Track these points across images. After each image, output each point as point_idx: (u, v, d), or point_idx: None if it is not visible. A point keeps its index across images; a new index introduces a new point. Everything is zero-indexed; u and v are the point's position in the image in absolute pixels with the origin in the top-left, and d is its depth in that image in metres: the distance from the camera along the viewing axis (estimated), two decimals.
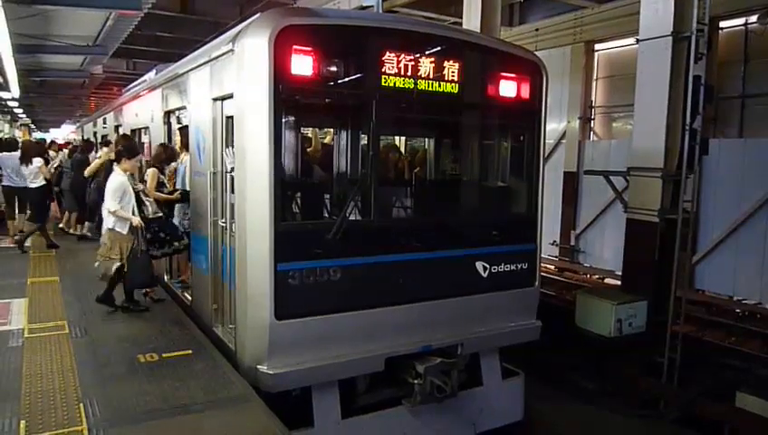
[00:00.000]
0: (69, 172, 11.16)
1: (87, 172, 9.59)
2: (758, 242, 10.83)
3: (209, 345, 5.73)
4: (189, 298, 6.93)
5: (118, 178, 6.60)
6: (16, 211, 11.01)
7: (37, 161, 10.31)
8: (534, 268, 6.30)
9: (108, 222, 6.68)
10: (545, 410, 7.44)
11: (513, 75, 5.99)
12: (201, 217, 6.24)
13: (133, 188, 6.67)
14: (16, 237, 10.42)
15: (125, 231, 6.58)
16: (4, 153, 10.69)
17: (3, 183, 10.77)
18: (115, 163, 6.93)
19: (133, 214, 6.58)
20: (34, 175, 10.25)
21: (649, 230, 7.99)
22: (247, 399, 4.62)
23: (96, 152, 11.73)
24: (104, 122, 16.01)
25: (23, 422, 4.09)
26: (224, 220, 5.67)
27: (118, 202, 6.48)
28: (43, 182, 10.37)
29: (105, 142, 11.65)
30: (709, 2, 7.67)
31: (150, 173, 7.09)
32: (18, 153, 10.54)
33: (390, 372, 5.45)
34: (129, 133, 10.67)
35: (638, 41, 8.22)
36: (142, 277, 6.62)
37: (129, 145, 7.27)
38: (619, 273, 10.16)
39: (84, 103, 31.91)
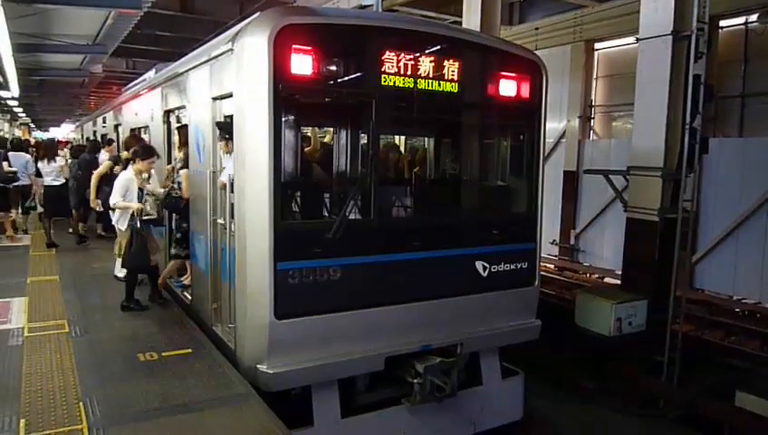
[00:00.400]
0: (73, 171, 11.23)
1: (94, 178, 9.49)
2: (758, 241, 10.83)
3: (209, 344, 5.72)
4: (189, 297, 6.94)
5: (124, 175, 6.82)
6: (19, 209, 11.21)
7: (60, 160, 10.54)
8: (534, 267, 6.29)
9: (113, 218, 7.01)
10: (545, 409, 7.46)
11: (512, 74, 5.97)
12: (200, 216, 6.24)
13: (140, 187, 6.81)
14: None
15: (124, 228, 6.78)
16: (14, 153, 10.90)
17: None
18: (130, 163, 7.05)
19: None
20: (56, 172, 10.43)
21: (649, 229, 7.98)
22: (247, 398, 4.61)
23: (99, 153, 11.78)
24: (104, 121, 16.01)
25: (22, 421, 4.09)
26: (223, 219, 5.68)
27: (120, 197, 6.69)
28: (63, 180, 10.63)
29: (108, 141, 11.69)
30: (709, 1, 7.65)
31: (183, 175, 6.95)
32: (22, 153, 10.85)
33: (390, 372, 5.45)
34: (128, 132, 10.71)
35: (638, 40, 8.21)
36: (137, 261, 6.65)
37: (144, 147, 7.39)
38: (619, 272, 10.16)
39: (84, 102, 31.97)
